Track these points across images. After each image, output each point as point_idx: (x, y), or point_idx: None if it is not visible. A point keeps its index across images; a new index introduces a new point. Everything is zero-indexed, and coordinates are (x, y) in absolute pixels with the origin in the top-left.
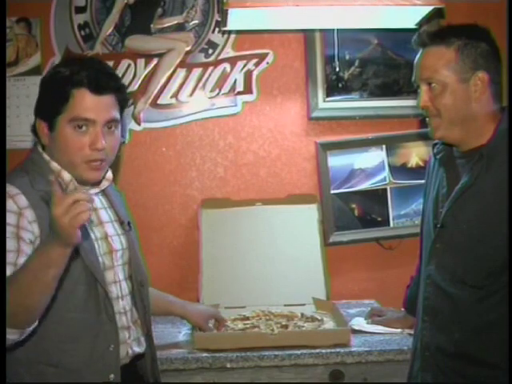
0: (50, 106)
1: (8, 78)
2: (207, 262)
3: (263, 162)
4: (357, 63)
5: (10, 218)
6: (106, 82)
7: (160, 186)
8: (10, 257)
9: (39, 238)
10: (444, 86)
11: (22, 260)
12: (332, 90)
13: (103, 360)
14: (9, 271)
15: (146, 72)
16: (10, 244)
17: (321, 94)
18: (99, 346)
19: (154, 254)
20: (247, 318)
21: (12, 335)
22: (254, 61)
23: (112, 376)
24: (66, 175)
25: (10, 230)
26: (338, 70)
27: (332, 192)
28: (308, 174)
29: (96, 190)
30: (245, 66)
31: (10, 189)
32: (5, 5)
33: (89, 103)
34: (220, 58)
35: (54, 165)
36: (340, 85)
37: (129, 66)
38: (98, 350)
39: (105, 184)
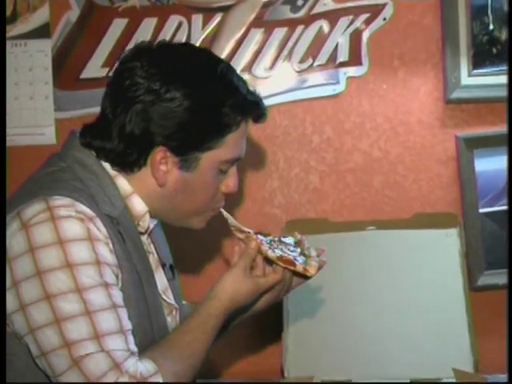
0: (199, 137)
1: None
2: (294, 314)
3: (378, 166)
4: None
5: (100, 249)
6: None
7: (226, 202)
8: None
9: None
10: None
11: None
12: (482, 58)
13: None
14: (119, 339)
15: (204, 34)
16: (114, 295)
17: (465, 64)
18: None
19: None
20: None
21: None
22: (365, 16)
23: None
24: (140, 204)
25: (108, 271)
26: (491, 27)
27: (481, 211)
28: (445, 183)
29: (155, 220)
30: (351, 23)
31: (81, 208)
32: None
33: (245, 136)
34: (314, 12)
35: (122, 183)
36: (494, 50)
37: (180, 24)
38: None
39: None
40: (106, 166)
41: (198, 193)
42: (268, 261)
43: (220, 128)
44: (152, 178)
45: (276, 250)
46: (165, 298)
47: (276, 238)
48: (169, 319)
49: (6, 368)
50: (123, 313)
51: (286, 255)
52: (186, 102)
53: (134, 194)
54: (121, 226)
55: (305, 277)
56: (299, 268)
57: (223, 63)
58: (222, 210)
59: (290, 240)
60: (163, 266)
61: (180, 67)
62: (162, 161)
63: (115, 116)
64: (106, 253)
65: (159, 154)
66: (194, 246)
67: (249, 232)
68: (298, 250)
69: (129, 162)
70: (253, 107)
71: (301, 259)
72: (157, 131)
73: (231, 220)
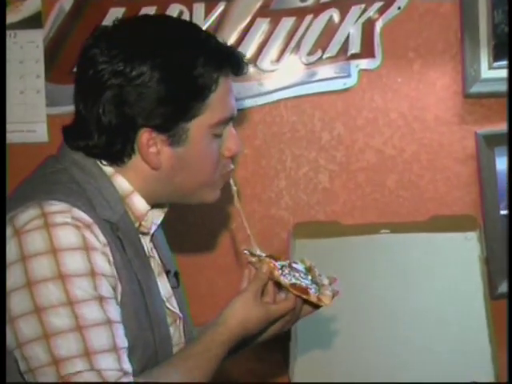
0: (180, 107)
1: None
2: (302, 322)
3: (392, 165)
4: None
5: (97, 259)
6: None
7: (230, 203)
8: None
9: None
10: None
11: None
12: (503, 49)
13: None
14: (111, 358)
15: (207, 24)
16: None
17: (485, 56)
18: None
19: (221, 307)
20: None
21: None
22: (378, 5)
23: None
24: (141, 203)
25: (104, 283)
26: None
27: (502, 213)
28: (463, 183)
29: (160, 216)
30: (363, 12)
31: (78, 214)
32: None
33: (231, 92)
34: (324, 0)
35: (121, 181)
36: None
37: (181, 13)
38: None
39: (163, 211)
40: (103, 166)
41: (197, 165)
42: (278, 287)
43: (199, 91)
44: (145, 163)
45: (288, 276)
46: (168, 305)
47: (286, 263)
48: (172, 329)
49: (5, 368)
50: (118, 329)
51: (299, 283)
52: (156, 73)
53: (134, 192)
54: (120, 232)
55: (316, 306)
56: (313, 298)
57: (184, 24)
58: (247, 228)
59: (300, 266)
60: (167, 272)
61: (140, 40)
62: (150, 142)
63: (88, 110)
64: (102, 263)
65: (144, 136)
66: (193, 247)
67: (260, 255)
68: (309, 277)
69: (116, 154)
70: (227, 60)
71: (313, 288)
72: (135, 113)
73: (249, 247)
